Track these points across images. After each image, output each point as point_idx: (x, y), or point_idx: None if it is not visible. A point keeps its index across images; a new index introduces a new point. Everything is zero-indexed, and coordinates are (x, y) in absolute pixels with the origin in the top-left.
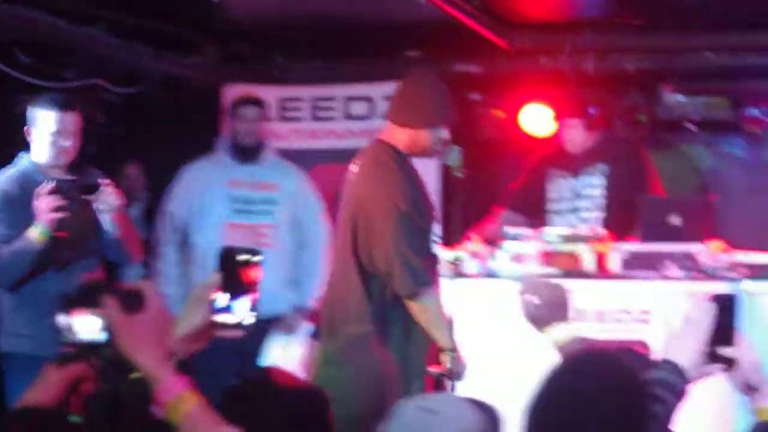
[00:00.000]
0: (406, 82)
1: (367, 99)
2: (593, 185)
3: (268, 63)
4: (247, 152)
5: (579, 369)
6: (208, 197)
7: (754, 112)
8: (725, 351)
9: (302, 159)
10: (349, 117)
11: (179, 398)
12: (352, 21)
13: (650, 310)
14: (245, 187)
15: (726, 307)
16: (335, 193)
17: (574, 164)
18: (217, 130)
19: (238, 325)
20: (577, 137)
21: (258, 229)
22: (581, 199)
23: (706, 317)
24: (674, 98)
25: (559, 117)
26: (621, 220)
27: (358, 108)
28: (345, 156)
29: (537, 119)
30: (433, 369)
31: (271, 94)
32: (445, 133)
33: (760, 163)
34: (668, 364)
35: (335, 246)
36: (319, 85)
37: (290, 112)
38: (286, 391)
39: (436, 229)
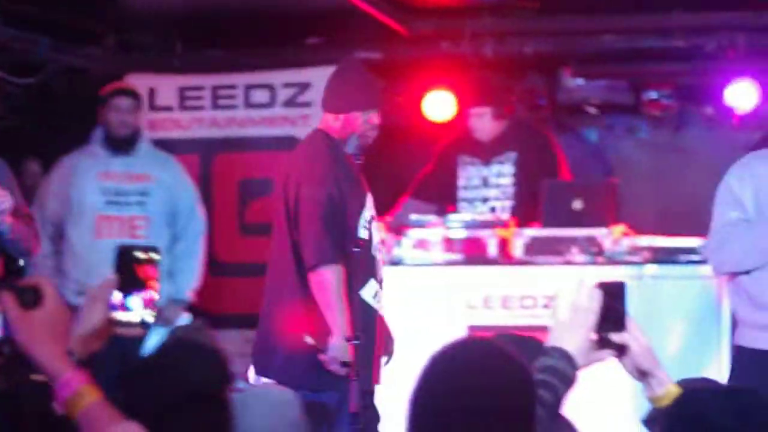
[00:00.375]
0: (335, 71)
1: (268, 87)
2: (503, 174)
3: (167, 52)
4: (120, 143)
5: (459, 360)
6: (80, 190)
7: (654, 95)
8: (616, 337)
9: (204, 148)
10: (250, 105)
11: (78, 393)
12: (251, 8)
13: (555, 296)
14: (118, 179)
15: (615, 294)
16: (238, 181)
17: (484, 151)
18: None
19: (138, 323)
20: (486, 125)
21: (131, 222)
22: (491, 188)
23: (593, 304)
24: (574, 82)
25: (466, 104)
26: (531, 209)
27: (259, 96)
28: (247, 144)
29: (440, 106)
30: (309, 339)
31: (171, 83)
32: (375, 117)
33: (661, 146)
34: (557, 351)
35: (273, 231)
36: (219, 73)
37: (191, 101)
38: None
39: (368, 213)
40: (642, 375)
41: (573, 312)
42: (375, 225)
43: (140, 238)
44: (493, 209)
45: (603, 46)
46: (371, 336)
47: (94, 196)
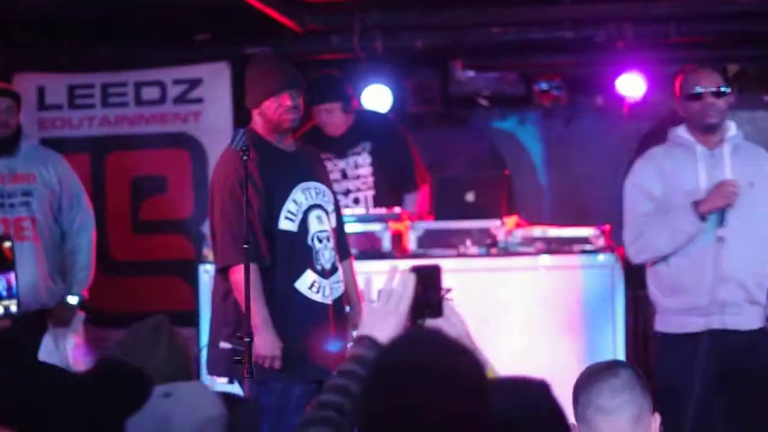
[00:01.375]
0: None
1: (159, 84)
2: (360, 164)
3: (55, 50)
4: (1, 145)
5: (408, 358)
6: None
7: (545, 86)
8: (431, 323)
9: (95, 146)
10: (141, 102)
11: None
12: (140, 5)
13: (450, 288)
14: (0, 180)
15: (430, 279)
16: (130, 179)
17: (338, 145)
18: None
19: (2, 315)
20: (337, 120)
21: (18, 223)
22: (350, 180)
23: (406, 289)
24: (465, 74)
25: (314, 102)
26: (392, 195)
27: (150, 93)
28: (138, 142)
29: None
30: (224, 344)
31: (60, 81)
32: (286, 99)
33: (552, 137)
34: (366, 340)
35: None
36: (108, 71)
37: (81, 100)
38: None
39: (298, 204)
40: None
41: (385, 299)
42: (317, 214)
43: (27, 240)
44: (356, 200)
45: (492, 38)
46: (309, 327)
47: None
